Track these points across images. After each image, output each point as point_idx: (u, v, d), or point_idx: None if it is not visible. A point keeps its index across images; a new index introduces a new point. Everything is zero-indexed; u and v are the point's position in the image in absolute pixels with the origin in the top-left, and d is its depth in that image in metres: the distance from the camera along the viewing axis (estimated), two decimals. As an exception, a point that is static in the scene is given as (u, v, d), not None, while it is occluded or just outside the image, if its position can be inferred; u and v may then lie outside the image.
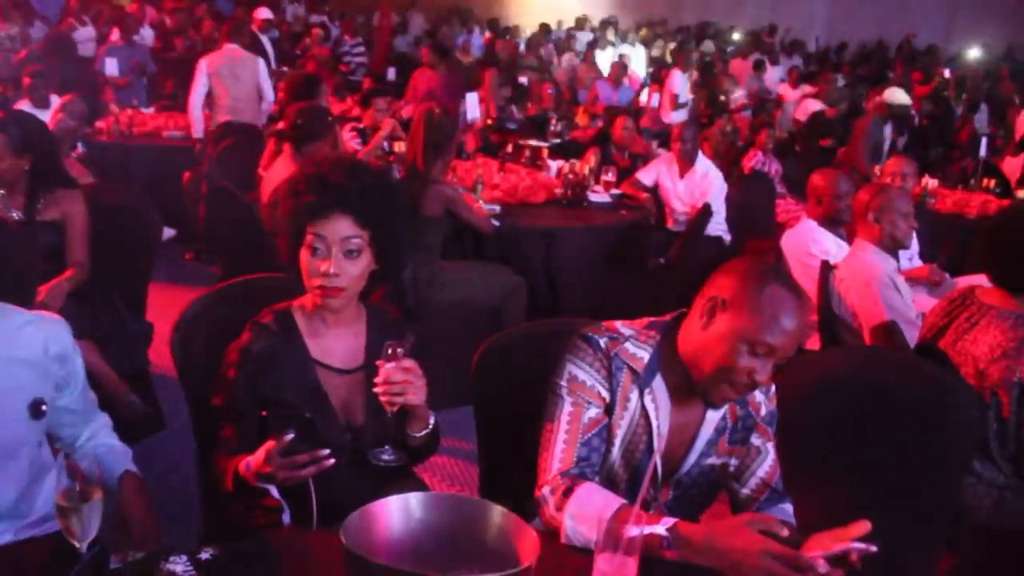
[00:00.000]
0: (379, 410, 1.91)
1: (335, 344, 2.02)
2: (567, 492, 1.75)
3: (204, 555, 1.52)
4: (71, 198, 3.55)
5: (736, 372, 1.76)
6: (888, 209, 3.46)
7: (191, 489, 3.62)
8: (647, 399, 1.88)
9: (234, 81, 6.79)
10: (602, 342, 1.88)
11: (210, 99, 6.85)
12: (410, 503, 1.44)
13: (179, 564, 1.48)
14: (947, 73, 14.19)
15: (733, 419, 1.95)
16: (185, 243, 6.61)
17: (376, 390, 1.81)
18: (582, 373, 1.87)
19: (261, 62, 7.15)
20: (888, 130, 8.07)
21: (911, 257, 4.52)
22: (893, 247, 3.51)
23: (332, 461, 1.73)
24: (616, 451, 1.90)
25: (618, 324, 1.94)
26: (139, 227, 3.88)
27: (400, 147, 5.59)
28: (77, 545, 1.43)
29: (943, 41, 17.86)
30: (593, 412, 1.85)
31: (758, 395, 1.98)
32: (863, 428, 2.39)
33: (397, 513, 1.42)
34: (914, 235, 4.18)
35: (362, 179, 1.95)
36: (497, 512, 1.43)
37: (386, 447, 1.88)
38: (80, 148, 5.48)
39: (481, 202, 4.93)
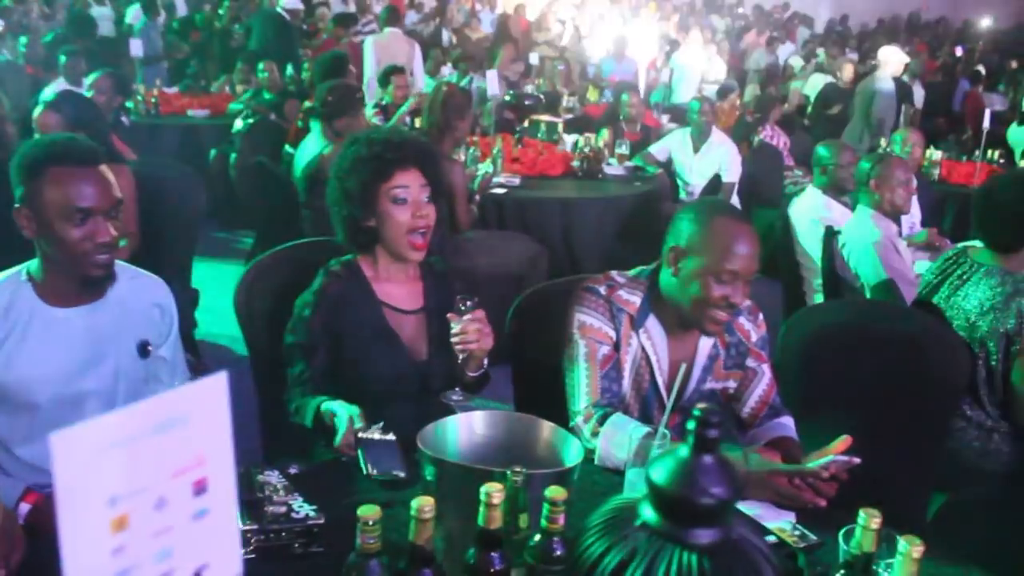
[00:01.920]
0: (440, 348, 2.17)
1: (397, 288, 2.27)
2: (600, 420, 2.01)
3: (292, 469, 1.77)
4: (120, 173, 3.76)
5: (713, 301, 2.03)
6: (888, 177, 3.69)
7: (246, 440, 3.89)
8: (643, 338, 2.15)
9: (391, 62, 7.09)
10: (602, 290, 2.17)
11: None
12: (473, 419, 1.69)
13: (272, 476, 1.73)
14: (959, 51, 14.21)
15: (724, 345, 2.21)
16: (213, 217, 6.87)
17: (453, 340, 2.06)
18: (589, 318, 2.14)
19: (417, 47, 7.69)
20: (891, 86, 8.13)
21: (912, 225, 4.74)
22: (893, 212, 3.74)
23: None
24: (626, 383, 2.17)
25: (613, 273, 2.23)
26: (185, 200, 4.13)
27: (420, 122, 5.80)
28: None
29: (951, 13, 17.91)
30: (605, 349, 2.13)
31: (746, 323, 2.24)
32: (860, 374, 2.62)
33: (463, 427, 1.67)
34: (915, 202, 4.42)
35: (416, 140, 2.26)
36: (546, 426, 1.68)
37: (456, 389, 2.12)
38: (125, 120, 5.69)
39: (501, 176, 5.15)
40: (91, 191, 1.85)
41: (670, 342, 2.17)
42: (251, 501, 1.63)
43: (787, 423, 2.23)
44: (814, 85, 10.18)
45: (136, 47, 8.21)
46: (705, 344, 2.19)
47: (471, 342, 2.05)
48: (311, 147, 4.61)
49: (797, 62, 12.31)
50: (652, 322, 2.16)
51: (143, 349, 2.05)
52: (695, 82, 10.35)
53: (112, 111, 5.54)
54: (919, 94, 9.59)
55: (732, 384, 2.25)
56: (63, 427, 1.78)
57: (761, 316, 2.29)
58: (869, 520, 1.41)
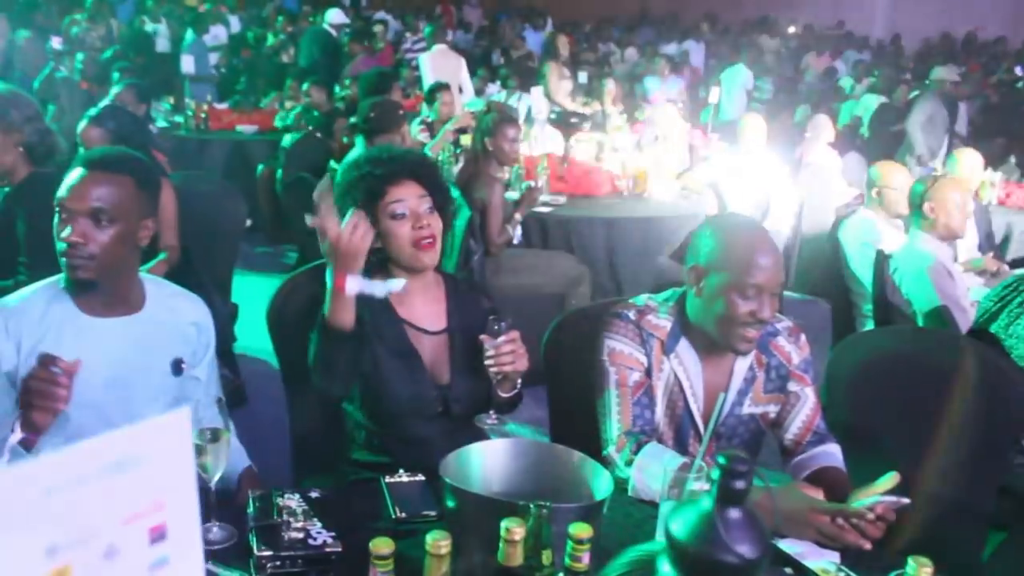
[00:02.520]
0: (462, 370, 2.11)
1: (419, 308, 2.20)
2: (634, 449, 1.93)
3: (313, 493, 1.72)
4: (161, 186, 3.78)
5: (739, 318, 1.95)
6: (942, 200, 3.55)
7: (278, 456, 3.85)
8: (674, 363, 2.07)
9: (443, 77, 7.25)
10: (631, 315, 2.10)
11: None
12: (499, 447, 1.62)
13: (292, 500, 1.68)
14: (1019, 70, 13.84)
15: (761, 367, 2.12)
16: (259, 232, 6.90)
17: (487, 363, 2.00)
18: (619, 344, 2.07)
19: (463, 61, 8.05)
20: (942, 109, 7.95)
21: (969, 248, 4.58)
22: (948, 236, 3.61)
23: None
24: (659, 410, 2.09)
25: (643, 297, 2.16)
26: (225, 214, 4.13)
27: (467, 141, 5.77)
28: (207, 479, 1.64)
29: (1011, 33, 17.51)
30: (636, 376, 2.06)
31: (786, 345, 2.15)
32: (912, 405, 2.50)
33: (488, 456, 1.60)
34: (972, 226, 4.27)
35: (407, 153, 2.23)
36: (576, 456, 1.61)
37: (491, 412, 2.06)
38: (153, 128, 5.74)
39: (546, 195, 5.08)
40: (74, 189, 1.87)
41: (704, 366, 2.09)
42: (268, 526, 1.58)
43: (833, 451, 2.13)
44: (866, 106, 9.98)
45: (187, 63, 8.32)
46: (741, 366, 2.10)
47: (506, 364, 1.99)
48: (353, 163, 4.58)
49: (847, 82, 12.10)
50: (684, 346, 2.09)
51: (177, 367, 2.02)
52: (744, 100, 10.22)
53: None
54: (965, 115, 9.35)
55: (773, 408, 2.15)
56: (89, 437, 1.76)
57: (803, 337, 2.19)
58: (919, 570, 1.31)
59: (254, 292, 5.59)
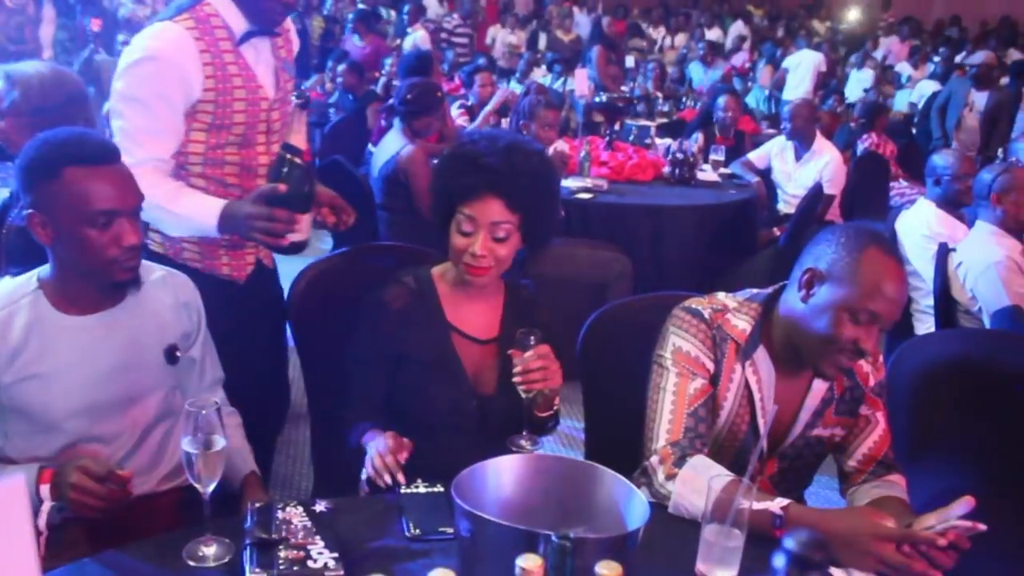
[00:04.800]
0: (508, 384, 1.93)
1: (472, 314, 2.04)
2: (677, 462, 1.75)
3: (318, 506, 1.57)
4: None
5: (841, 342, 1.74)
6: (1012, 189, 3.33)
7: (302, 452, 3.72)
8: (749, 371, 1.87)
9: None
10: (706, 313, 1.88)
11: None
12: (521, 464, 1.46)
13: (295, 514, 1.53)
14: None
15: (840, 390, 1.92)
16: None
17: (515, 380, 1.84)
18: (686, 344, 1.86)
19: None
20: (977, 97, 7.65)
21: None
22: (1018, 228, 3.37)
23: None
24: (722, 422, 1.89)
25: (721, 295, 1.95)
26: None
27: (506, 123, 5.60)
28: (200, 489, 1.50)
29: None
30: (699, 383, 1.85)
31: (865, 365, 1.95)
32: (984, 417, 2.29)
33: (507, 473, 1.44)
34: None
35: (515, 161, 1.93)
36: (608, 476, 1.43)
37: (523, 432, 1.90)
38: None
39: (588, 181, 4.90)
40: (112, 191, 1.70)
41: (779, 379, 1.88)
42: (264, 543, 1.43)
43: (897, 482, 1.93)
44: (922, 92, 9.64)
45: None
46: (820, 384, 1.90)
47: (536, 381, 1.82)
48: (390, 147, 4.43)
49: (904, 69, 11.73)
50: (761, 354, 1.88)
51: (171, 355, 1.88)
52: (806, 85, 9.93)
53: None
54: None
55: (839, 432, 1.95)
56: (84, 443, 1.62)
57: (881, 359, 1.99)
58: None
59: (287, 279, 5.48)
